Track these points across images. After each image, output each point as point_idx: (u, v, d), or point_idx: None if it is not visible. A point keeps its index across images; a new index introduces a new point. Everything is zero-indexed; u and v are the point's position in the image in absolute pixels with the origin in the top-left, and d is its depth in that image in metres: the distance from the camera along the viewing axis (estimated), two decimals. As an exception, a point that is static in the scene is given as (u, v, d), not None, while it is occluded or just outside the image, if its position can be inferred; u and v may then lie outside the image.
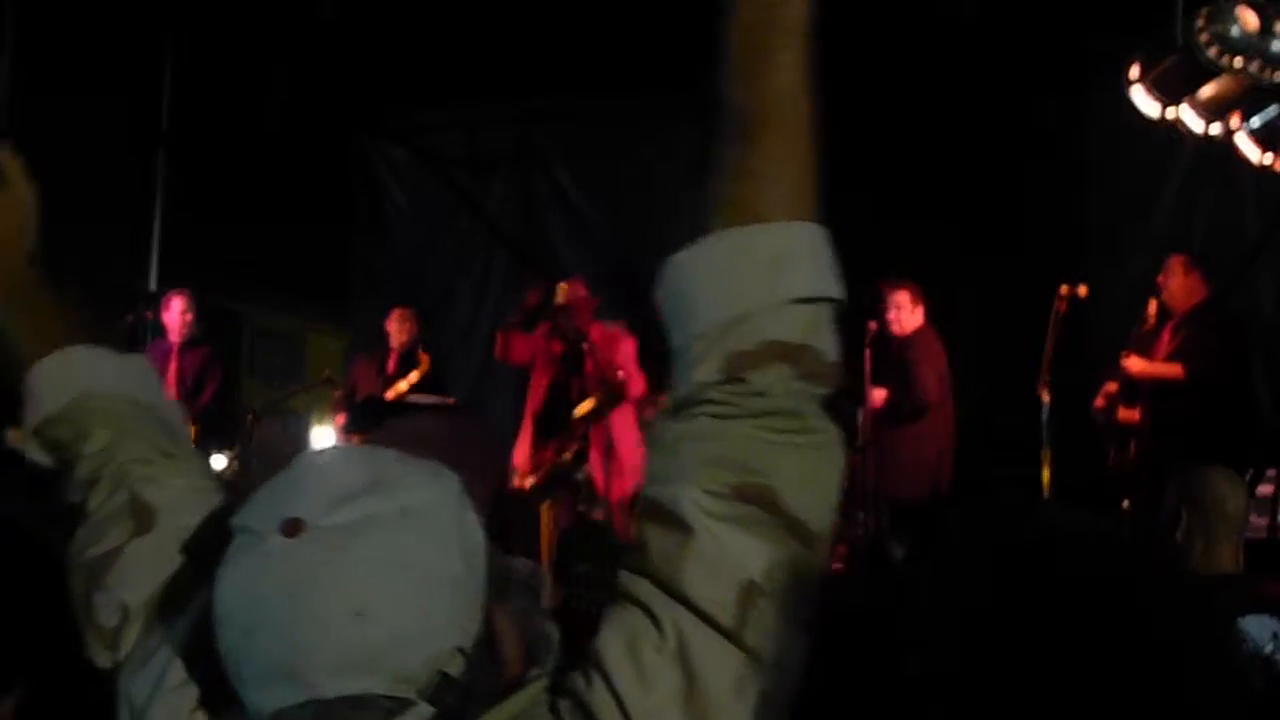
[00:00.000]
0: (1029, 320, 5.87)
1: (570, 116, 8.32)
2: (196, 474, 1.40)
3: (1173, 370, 5.64)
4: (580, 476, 6.23)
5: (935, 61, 6.91)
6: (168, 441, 1.40)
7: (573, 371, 6.33)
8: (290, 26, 7.58)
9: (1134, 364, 5.71)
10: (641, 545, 1.09)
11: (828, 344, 1.14)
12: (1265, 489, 5.54)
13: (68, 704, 1.41)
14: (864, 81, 6.33)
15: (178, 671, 1.18)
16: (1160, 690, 1.02)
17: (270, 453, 6.88)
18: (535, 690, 1.08)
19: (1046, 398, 5.67)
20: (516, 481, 6.28)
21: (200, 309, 7.20)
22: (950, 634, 1.07)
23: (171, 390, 6.21)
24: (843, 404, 1.18)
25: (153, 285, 7.82)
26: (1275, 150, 4.41)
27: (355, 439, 6.74)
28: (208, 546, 1.13)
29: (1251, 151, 4.44)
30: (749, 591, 1.06)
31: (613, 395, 6.15)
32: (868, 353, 6.02)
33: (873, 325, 6.18)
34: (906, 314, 6.38)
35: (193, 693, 1.16)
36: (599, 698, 1.05)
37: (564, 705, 1.06)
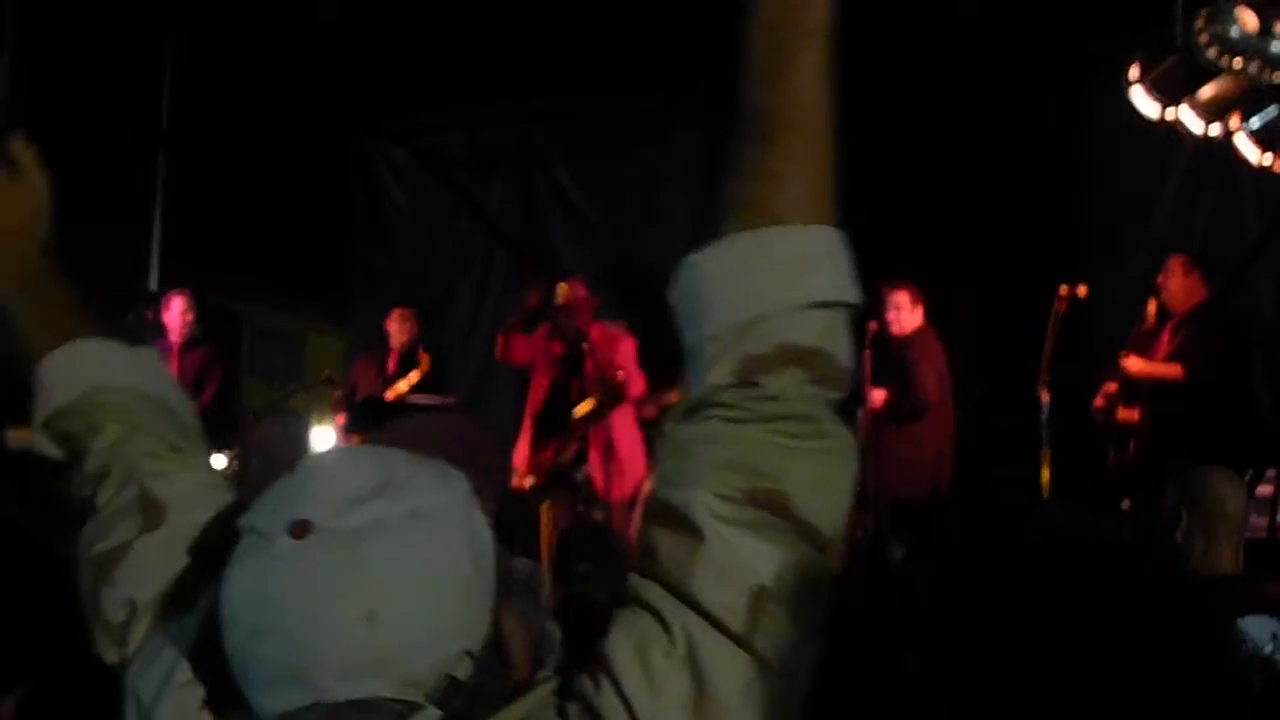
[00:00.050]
0: (1029, 320, 5.86)
1: (570, 116, 8.31)
2: (206, 469, 1.39)
3: (1172, 370, 5.64)
4: (580, 476, 6.22)
5: (935, 62, 6.90)
6: (177, 436, 1.39)
7: (573, 372, 6.32)
8: (290, 26, 7.57)
9: (1133, 364, 5.71)
10: (651, 549, 1.08)
11: (842, 349, 1.13)
12: (1265, 489, 5.54)
13: (68, 704, 1.41)
14: (864, 81, 6.29)
15: (185, 669, 1.17)
16: (1160, 690, 1.02)
17: (270, 453, 6.87)
18: (543, 693, 1.07)
19: (1046, 398, 5.66)
20: (516, 481, 6.27)
21: (200, 309, 7.18)
22: (950, 634, 1.07)
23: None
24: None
25: (153, 285, 7.82)
26: (1275, 151, 4.41)
27: (355, 439, 6.74)
28: (217, 544, 1.12)
29: (1251, 152, 4.44)
30: (760, 597, 1.05)
31: (613, 395, 6.14)
32: (867, 353, 6.01)
33: (872, 325, 6.17)
34: (906, 314, 6.38)
35: (200, 691, 1.15)
36: (607, 702, 1.04)
37: (572, 709, 1.05)
